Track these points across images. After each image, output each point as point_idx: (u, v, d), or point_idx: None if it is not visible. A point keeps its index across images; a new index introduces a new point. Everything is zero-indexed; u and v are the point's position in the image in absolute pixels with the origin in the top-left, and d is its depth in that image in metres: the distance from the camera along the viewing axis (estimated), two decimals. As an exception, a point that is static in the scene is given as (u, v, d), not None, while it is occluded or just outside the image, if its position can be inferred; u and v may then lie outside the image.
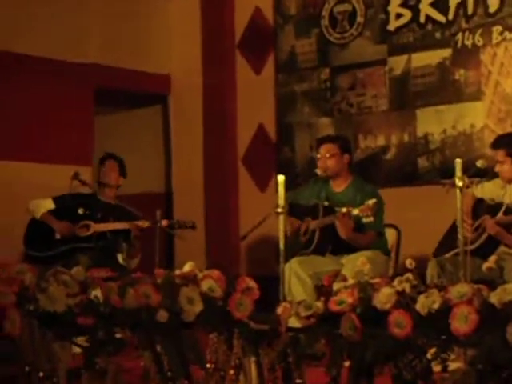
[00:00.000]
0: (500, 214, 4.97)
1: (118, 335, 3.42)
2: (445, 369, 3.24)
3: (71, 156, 7.11)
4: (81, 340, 3.38)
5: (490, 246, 4.79)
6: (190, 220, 5.96)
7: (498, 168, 5.15)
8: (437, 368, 3.22)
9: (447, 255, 5.00)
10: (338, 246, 5.56)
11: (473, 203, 5.08)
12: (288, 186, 4.76)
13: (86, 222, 5.92)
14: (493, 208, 4.96)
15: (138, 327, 3.36)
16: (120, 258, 5.97)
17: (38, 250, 5.83)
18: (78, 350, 3.40)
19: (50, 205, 5.99)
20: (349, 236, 5.44)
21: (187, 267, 3.56)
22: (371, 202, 5.15)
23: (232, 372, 3.45)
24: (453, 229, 5.22)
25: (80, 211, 5.97)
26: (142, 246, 5.89)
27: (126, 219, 5.90)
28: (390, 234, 5.74)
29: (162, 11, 8.06)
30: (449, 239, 5.21)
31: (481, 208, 5.03)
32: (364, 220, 5.22)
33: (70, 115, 7.36)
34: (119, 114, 8.37)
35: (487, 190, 5.18)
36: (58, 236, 5.91)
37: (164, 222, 5.70)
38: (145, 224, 5.78)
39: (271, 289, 4.00)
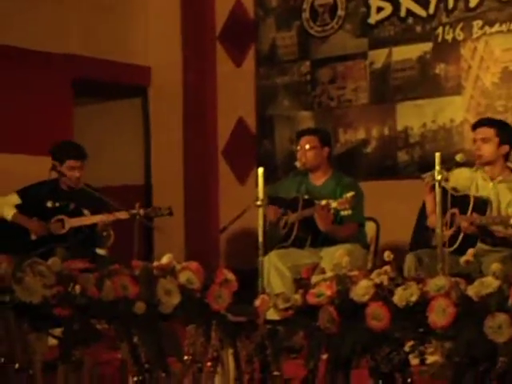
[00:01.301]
0: (469, 211, 4.95)
1: (95, 327, 3.40)
2: (422, 362, 3.24)
3: (50, 147, 7.05)
4: (57, 332, 3.36)
5: (467, 244, 4.78)
6: (165, 207, 5.80)
7: (478, 147, 5.12)
8: (414, 361, 3.23)
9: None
10: (317, 239, 5.56)
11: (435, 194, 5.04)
12: (268, 178, 4.76)
13: (59, 217, 5.82)
14: (459, 200, 4.93)
15: (115, 319, 3.34)
16: (98, 250, 5.93)
17: (14, 254, 5.70)
18: (54, 341, 3.37)
19: (15, 200, 5.85)
20: (327, 228, 5.44)
21: (165, 259, 3.54)
22: (349, 195, 5.16)
23: (209, 364, 3.44)
24: (422, 220, 5.24)
25: (49, 204, 5.84)
26: (122, 237, 5.83)
27: (97, 206, 5.74)
28: (370, 227, 5.76)
29: (143, 2, 8.02)
30: (421, 232, 5.22)
31: (446, 199, 4.97)
32: (342, 213, 5.23)
33: (48, 106, 7.32)
34: (99, 105, 8.33)
35: (460, 176, 5.16)
36: (33, 237, 5.79)
37: (140, 212, 5.53)
38: (122, 216, 5.66)
39: (250, 281, 4.00)
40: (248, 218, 5.03)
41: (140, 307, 3.32)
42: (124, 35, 7.86)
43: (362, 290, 3.15)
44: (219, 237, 7.37)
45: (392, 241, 6.09)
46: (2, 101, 7.06)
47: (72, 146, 5.99)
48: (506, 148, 5.11)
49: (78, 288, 3.30)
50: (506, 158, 5.16)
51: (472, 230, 4.87)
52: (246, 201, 4.82)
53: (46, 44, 7.29)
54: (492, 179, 5.11)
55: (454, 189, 4.91)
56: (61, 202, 5.85)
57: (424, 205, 5.26)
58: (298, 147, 5.79)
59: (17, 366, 3.21)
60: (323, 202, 5.29)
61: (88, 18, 7.62)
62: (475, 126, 5.25)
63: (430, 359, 3.18)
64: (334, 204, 5.20)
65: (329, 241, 5.50)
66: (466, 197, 5.01)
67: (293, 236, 5.62)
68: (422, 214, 5.26)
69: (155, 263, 3.54)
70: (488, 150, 5.08)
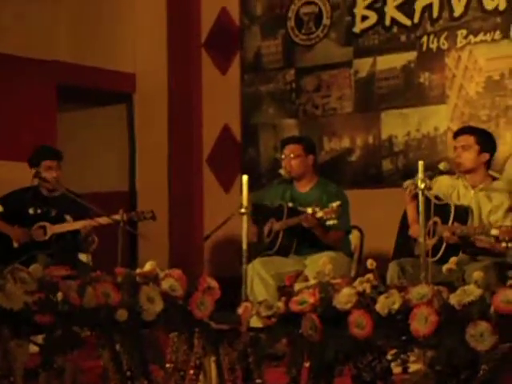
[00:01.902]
0: (451, 220, 4.96)
1: (77, 334, 3.38)
2: (405, 370, 3.25)
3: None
4: (38, 339, 3.34)
5: (450, 253, 4.79)
6: (148, 210, 5.74)
7: (458, 154, 5.14)
8: (397, 369, 3.23)
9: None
10: (301, 246, 5.57)
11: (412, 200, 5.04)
12: (252, 186, 4.74)
13: (41, 224, 5.78)
14: (441, 209, 4.94)
15: (97, 326, 3.32)
16: (82, 256, 5.90)
17: None
18: (35, 348, 3.36)
19: None
20: (315, 229, 5.42)
21: (148, 266, 3.53)
22: (335, 204, 5.16)
23: (192, 372, 3.43)
24: (404, 229, 5.25)
25: (31, 211, 5.81)
26: (106, 244, 5.80)
27: (79, 212, 5.72)
28: (354, 236, 5.77)
29: (128, 9, 8.01)
30: (404, 241, 5.22)
31: (428, 207, 4.97)
32: (328, 222, 5.23)
33: (32, 112, 7.29)
34: (83, 111, 8.31)
35: (442, 184, 5.18)
36: (15, 244, 5.73)
37: (123, 216, 5.47)
38: (105, 221, 5.60)
39: (234, 289, 3.99)
40: (232, 226, 5.02)
41: (122, 314, 3.31)
42: (109, 42, 7.85)
43: (344, 297, 3.15)
44: (203, 244, 7.36)
45: (376, 249, 6.09)
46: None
47: (46, 148, 6.06)
48: (486, 156, 5.12)
49: (59, 295, 3.29)
50: (487, 166, 5.18)
51: (454, 239, 4.88)
52: (231, 208, 4.80)
53: (30, 50, 7.26)
54: (473, 187, 5.13)
55: (437, 197, 4.92)
56: (42, 209, 5.82)
57: (405, 213, 5.26)
58: (283, 156, 5.80)
59: (-3, 373, 3.19)
60: (309, 210, 5.29)
61: (74, 24, 7.61)
62: (456, 135, 5.28)
63: (413, 368, 3.19)
64: (319, 214, 5.20)
65: (314, 248, 5.49)
66: (448, 205, 5.02)
67: (277, 244, 5.62)
68: (404, 223, 5.28)
69: (138, 270, 3.53)
70: (468, 157, 5.10)
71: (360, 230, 5.80)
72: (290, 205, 5.64)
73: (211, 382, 3.43)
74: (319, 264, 3.51)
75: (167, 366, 3.42)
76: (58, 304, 3.27)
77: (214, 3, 7.74)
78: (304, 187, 5.77)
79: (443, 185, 5.15)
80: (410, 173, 5.66)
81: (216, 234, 5.16)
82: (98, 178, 8.00)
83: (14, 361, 3.18)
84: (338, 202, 5.18)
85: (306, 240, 5.55)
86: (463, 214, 5.00)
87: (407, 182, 5.17)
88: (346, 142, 7.12)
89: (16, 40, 7.19)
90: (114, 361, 3.33)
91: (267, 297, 5.05)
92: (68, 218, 5.84)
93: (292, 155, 5.73)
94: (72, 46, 7.59)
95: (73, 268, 3.61)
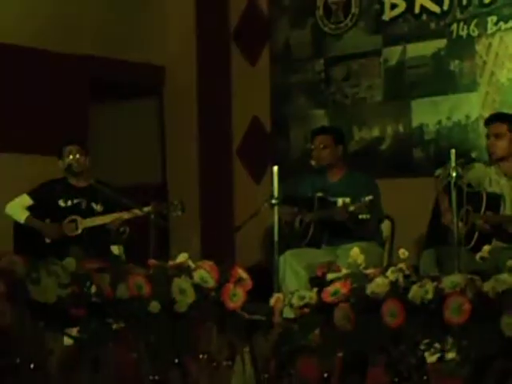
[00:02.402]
0: (483, 208, 4.93)
1: (111, 326, 3.41)
2: (439, 359, 3.23)
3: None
4: (72, 331, 3.36)
5: (483, 241, 4.76)
6: (177, 201, 5.56)
7: (491, 142, 5.11)
8: (431, 359, 3.22)
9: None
10: (333, 236, 5.56)
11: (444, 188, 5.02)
12: (282, 177, 4.76)
13: (72, 218, 5.80)
14: (473, 197, 4.91)
15: (130, 318, 3.34)
16: (114, 248, 5.92)
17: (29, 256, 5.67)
18: (69, 341, 3.38)
19: (27, 201, 5.85)
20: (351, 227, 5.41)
21: (180, 258, 3.55)
22: (367, 198, 5.15)
23: (225, 363, 3.44)
24: (436, 217, 5.22)
25: (61, 203, 5.83)
26: (138, 236, 5.81)
27: (109, 203, 5.72)
28: (385, 225, 5.75)
29: (158, 2, 8.03)
30: (436, 229, 5.20)
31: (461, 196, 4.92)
32: (360, 216, 5.21)
33: (64, 107, 7.33)
34: (114, 105, 8.34)
35: (474, 171, 5.15)
36: (47, 240, 5.78)
37: (153, 208, 5.39)
38: (135, 214, 5.56)
39: (265, 280, 3.99)
40: (263, 217, 5.03)
41: (155, 306, 3.32)
42: (139, 35, 7.86)
43: (377, 287, 3.15)
44: (234, 235, 7.37)
45: (407, 238, 6.07)
46: (19, 102, 7.08)
47: (66, 138, 6.04)
48: None
49: (93, 288, 3.31)
50: None
51: (486, 228, 4.85)
52: (261, 200, 4.81)
53: (62, 45, 7.30)
54: (505, 175, 5.09)
55: (469, 185, 4.89)
56: (73, 201, 5.84)
57: (437, 202, 5.24)
58: (313, 146, 5.81)
59: (32, 365, 3.22)
60: (340, 202, 5.29)
61: (104, 18, 7.63)
62: (488, 122, 5.24)
63: (446, 357, 3.17)
64: (351, 207, 5.20)
65: (345, 239, 5.48)
66: (479, 193, 4.99)
67: (309, 235, 5.62)
68: (436, 211, 5.25)
69: (170, 262, 3.55)
70: (501, 145, 5.07)
71: (391, 220, 5.78)
72: (321, 195, 5.63)
73: (245, 373, 3.44)
74: (351, 254, 3.51)
75: (200, 357, 3.42)
76: (91, 297, 3.29)
77: (243, -6, 7.74)
78: (335, 176, 5.77)
79: (475, 173, 5.11)
80: (442, 161, 5.62)
81: (247, 224, 5.16)
82: (129, 170, 8.03)
83: (49, 353, 3.21)
84: (370, 197, 5.16)
85: (337, 231, 5.54)
86: (495, 201, 4.97)
87: (439, 171, 5.14)
88: (375, 132, 7.09)
89: (48, 34, 7.23)
90: (147, 352, 3.34)
91: (299, 288, 5.04)
92: (98, 207, 5.85)
93: (321, 145, 5.75)
94: (102, 40, 7.62)
95: (105, 260, 3.63)
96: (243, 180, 7.72)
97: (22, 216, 5.82)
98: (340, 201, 5.45)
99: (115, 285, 3.37)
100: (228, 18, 7.84)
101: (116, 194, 5.62)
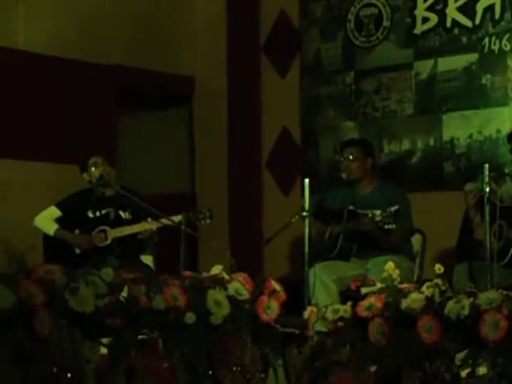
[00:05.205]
0: None
1: (145, 336, 3.42)
2: (471, 374, 3.22)
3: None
4: (107, 341, 3.38)
5: None
6: (205, 209, 5.60)
7: None
8: (463, 373, 3.21)
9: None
10: (362, 249, 5.55)
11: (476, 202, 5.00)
12: (312, 189, 4.76)
13: (101, 228, 5.80)
14: (506, 211, 4.88)
15: (165, 329, 3.36)
16: (144, 258, 5.94)
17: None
18: (105, 350, 3.40)
19: (55, 213, 5.85)
20: (379, 238, 5.41)
21: (215, 270, 3.56)
22: (393, 209, 5.16)
23: (258, 375, 3.44)
24: (466, 232, 5.20)
25: (90, 214, 5.82)
26: (165, 246, 5.82)
27: (137, 210, 5.70)
28: (415, 239, 5.73)
29: (188, 13, 8.07)
30: (467, 244, 5.17)
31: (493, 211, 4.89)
32: (386, 226, 5.21)
33: (93, 117, 7.36)
34: (144, 115, 8.38)
35: (506, 186, 5.13)
36: (77, 251, 5.78)
37: (183, 218, 5.35)
38: (163, 223, 5.53)
39: (294, 292, 4.00)
40: (293, 229, 5.03)
41: (190, 318, 3.34)
42: (169, 45, 7.90)
43: (413, 302, 3.15)
44: (263, 247, 7.37)
45: (437, 252, 6.05)
46: (47, 112, 7.13)
47: (90, 151, 6.04)
48: None
49: (129, 298, 3.33)
50: None
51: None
52: (290, 212, 4.81)
53: (90, 55, 7.36)
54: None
55: (501, 199, 4.87)
56: (101, 211, 5.84)
57: (466, 216, 5.22)
58: (342, 158, 5.81)
59: (69, 375, 3.24)
60: (370, 214, 5.28)
61: (133, 28, 7.68)
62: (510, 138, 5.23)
63: (479, 372, 3.16)
64: (377, 217, 5.20)
65: (375, 251, 5.47)
66: None
67: (338, 247, 5.62)
68: (465, 226, 5.23)
69: (204, 274, 3.56)
70: None
71: (422, 234, 5.76)
72: (351, 208, 5.63)
73: (278, 386, 3.45)
74: (383, 268, 3.51)
75: (234, 369, 3.43)
76: (127, 306, 3.31)
77: (273, 6, 7.75)
78: (365, 189, 5.77)
79: (508, 187, 5.10)
80: (473, 175, 5.61)
81: (276, 237, 5.17)
82: (158, 180, 8.06)
83: (86, 363, 3.23)
84: (395, 207, 5.16)
85: (366, 243, 5.53)
86: None
87: (469, 185, 5.13)
88: (406, 145, 7.08)
89: (77, 45, 7.28)
90: (182, 363, 3.36)
91: (329, 301, 5.03)
92: (124, 215, 5.85)
93: (351, 157, 5.75)
94: (131, 50, 7.66)
95: (137, 270, 3.64)
96: (272, 191, 7.73)
97: (51, 228, 5.83)
98: (370, 214, 5.44)
99: (150, 295, 3.39)
100: (258, 30, 7.86)
101: (143, 200, 5.59)
